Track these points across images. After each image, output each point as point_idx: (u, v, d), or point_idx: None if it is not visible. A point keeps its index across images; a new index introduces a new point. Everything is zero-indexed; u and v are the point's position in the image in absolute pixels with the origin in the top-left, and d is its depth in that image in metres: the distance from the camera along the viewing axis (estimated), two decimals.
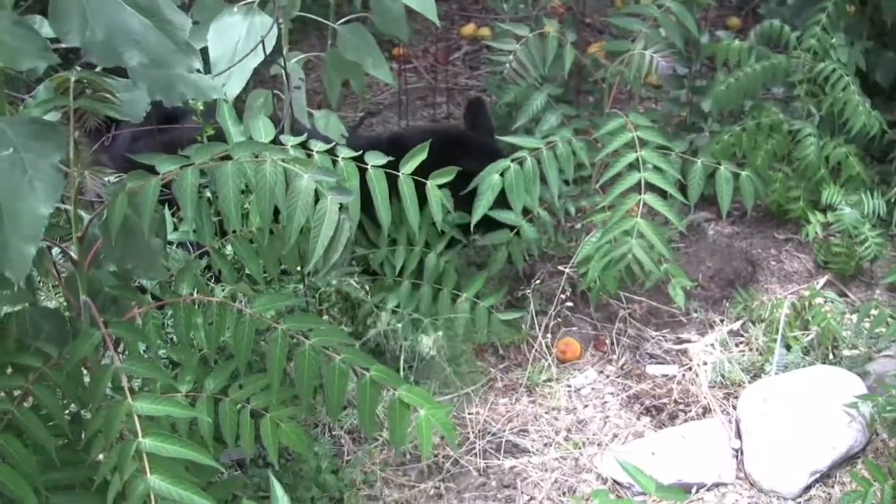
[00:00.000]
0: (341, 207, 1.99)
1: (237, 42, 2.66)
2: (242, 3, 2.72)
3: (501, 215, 3.08)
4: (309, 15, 2.98)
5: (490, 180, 2.96)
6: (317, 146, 2.33)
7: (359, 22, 3.00)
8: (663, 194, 2.98)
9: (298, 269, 2.72)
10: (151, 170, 2.02)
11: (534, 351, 3.15)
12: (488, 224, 3.07)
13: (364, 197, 2.39)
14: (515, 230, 3.16)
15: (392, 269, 3.06)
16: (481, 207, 2.96)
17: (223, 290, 2.40)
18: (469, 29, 5.00)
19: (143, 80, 1.79)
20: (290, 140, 2.26)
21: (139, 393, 1.92)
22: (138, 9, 1.73)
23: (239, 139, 2.42)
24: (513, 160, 2.99)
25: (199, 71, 1.85)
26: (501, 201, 3.00)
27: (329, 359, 2.07)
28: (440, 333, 2.96)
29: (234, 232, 2.43)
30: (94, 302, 2.03)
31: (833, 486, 2.76)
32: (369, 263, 3.07)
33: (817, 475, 2.75)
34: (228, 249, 2.54)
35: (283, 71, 2.80)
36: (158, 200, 2.02)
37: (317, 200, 1.98)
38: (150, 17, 1.74)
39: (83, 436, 2.03)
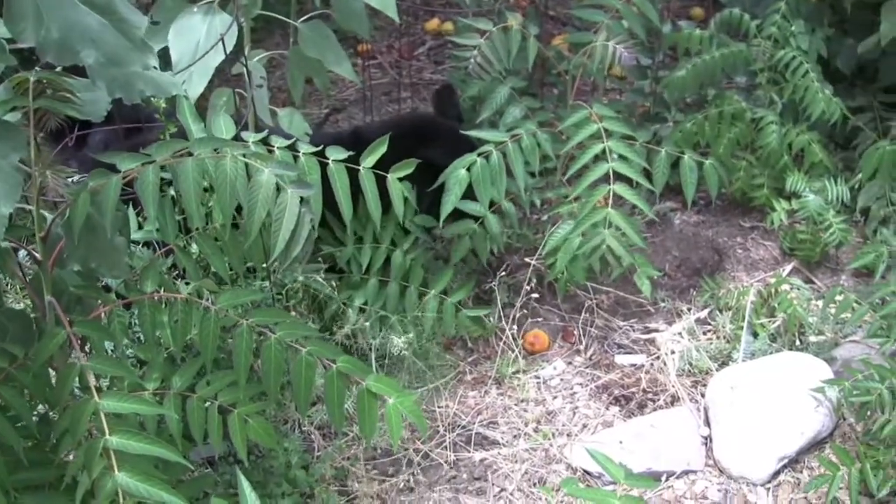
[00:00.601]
0: (302, 201, 1.99)
1: (198, 41, 2.66)
2: (202, 2, 2.72)
3: (467, 206, 3.08)
4: (271, 14, 2.98)
5: (457, 175, 2.96)
6: (277, 142, 2.33)
7: (320, 19, 3.00)
8: (630, 183, 2.99)
9: (264, 265, 2.72)
10: (114, 169, 2.01)
11: (502, 343, 3.15)
12: (453, 214, 3.06)
13: (330, 194, 2.39)
14: (480, 221, 3.16)
15: (359, 267, 3.07)
16: (449, 203, 2.96)
17: (188, 287, 2.40)
18: (433, 24, 5.01)
19: (102, 78, 1.78)
20: (251, 136, 2.26)
21: (106, 391, 1.92)
22: (93, 7, 1.72)
23: (200, 136, 2.42)
24: (479, 154, 2.99)
25: (155, 68, 1.85)
26: (468, 193, 3.00)
27: (296, 351, 2.07)
28: (412, 335, 2.96)
29: (197, 229, 2.43)
30: (59, 301, 2.03)
31: (801, 471, 2.78)
32: (336, 262, 3.08)
33: (786, 461, 2.77)
34: (193, 247, 2.54)
35: (244, 69, 2.80)
36: (124, 200, 2.01)
37: (278, 195, 1.98)
38: (106, 16, 1.74)
39: (51, 436, 2.03)
